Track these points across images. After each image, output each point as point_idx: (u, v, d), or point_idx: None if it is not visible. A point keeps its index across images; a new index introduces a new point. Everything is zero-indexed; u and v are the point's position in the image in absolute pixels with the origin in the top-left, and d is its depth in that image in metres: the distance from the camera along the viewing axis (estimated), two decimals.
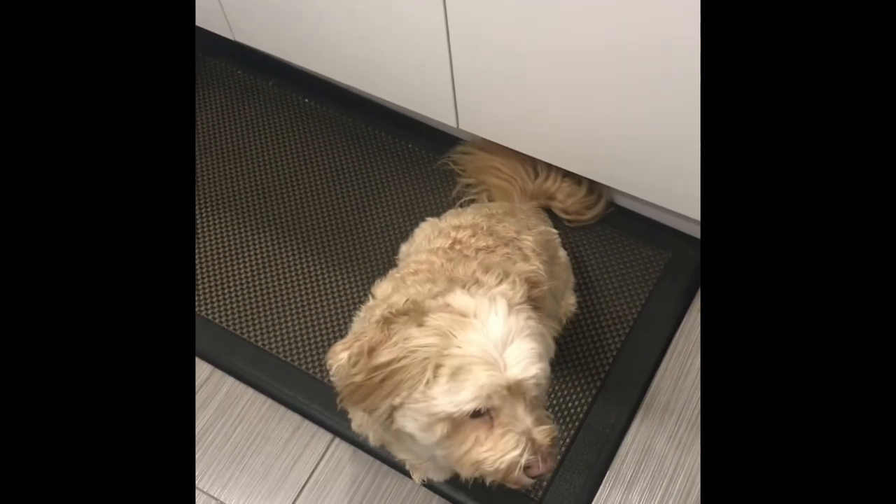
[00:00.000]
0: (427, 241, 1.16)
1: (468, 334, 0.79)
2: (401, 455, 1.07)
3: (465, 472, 0.84)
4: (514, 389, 0.80)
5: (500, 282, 0.90)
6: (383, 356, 0.79)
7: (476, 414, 0.80)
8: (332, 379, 0.88)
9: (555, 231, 1.34)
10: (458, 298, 0.84)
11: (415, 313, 0.82)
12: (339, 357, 0.84)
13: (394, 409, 0.82)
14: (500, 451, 0.81)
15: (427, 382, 0.78)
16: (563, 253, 1.34)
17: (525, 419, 0.81)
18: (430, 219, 1.28)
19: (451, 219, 1.21)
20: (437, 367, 0.78)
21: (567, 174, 1.48)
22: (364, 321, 1.01)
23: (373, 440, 1.04)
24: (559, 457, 1.29)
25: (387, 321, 0.82)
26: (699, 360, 1.40)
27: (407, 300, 0.86)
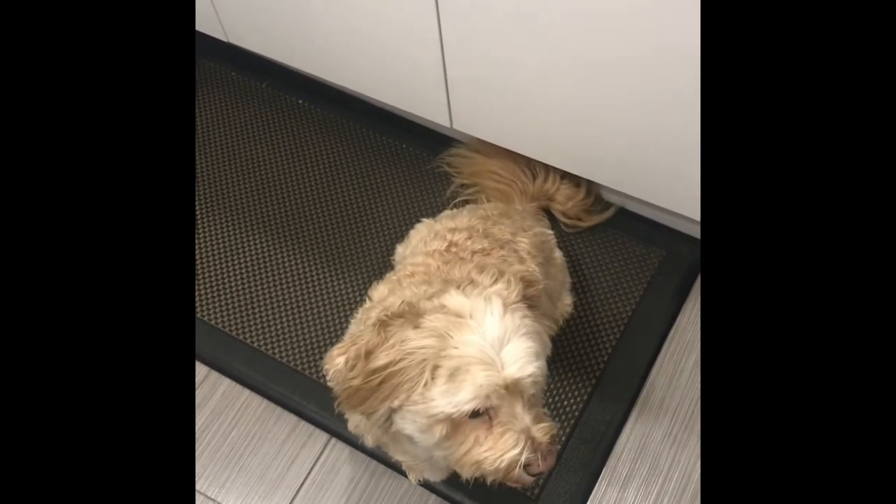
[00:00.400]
0: (423, 243, 1.16)
1: (465, 335, 0.80)
2: (397, 456, 1.08)
3: (466, 473, 0.84)
4: (512, 388, 0.80)
5: (495, 281, 0.90)
6: (380, 359, 0.79)
7: (475, 414, 0.80)
8: (329, 384, 0.88)
9: (550, 232, 1.34)
10: (454, 299, 0.84)
11: (410, 315, 0.82)
12: (336, 362, 0.84)
13: (392, 411, 0.83)
14: (499, 451, 0.81)
15: (425, 384, 0.78)
16: (558, 254, 1.34)
17: (524, 417, 0.82)
18: (425, 220, 1.28)
19: (446, 221, 1.21)
20: (435, 368, 0.79)
21: (565, 175, 1.48)
22: (361, 323, 1.01)
23: (369, 441, 1.04)
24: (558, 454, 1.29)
25: (383, 324, 0.82)
26: (694, 357, 1.41)
27: (402, 302, 0.86)
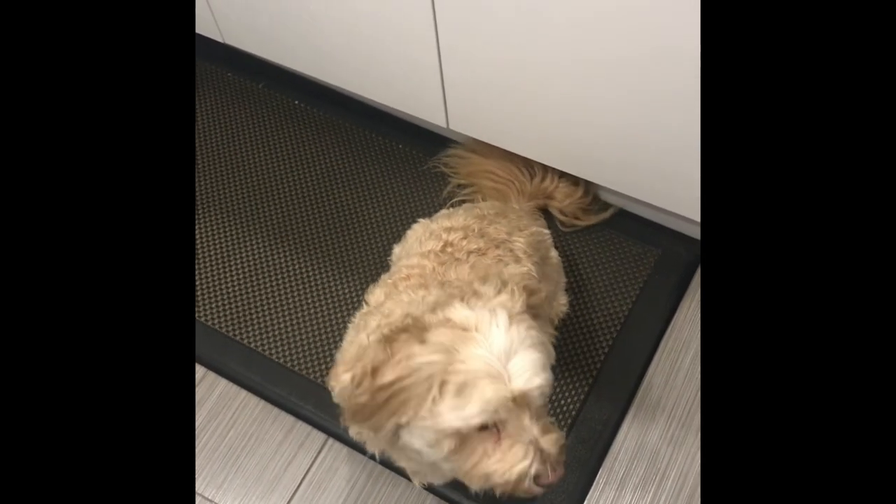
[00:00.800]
0: (418, 243, 1.16)
1: (471, 349, 0.79)
2: (401, 462, 1.08)
3: (475, 485, 0.84)
4: (520, 400, 0.80)
5: (499, 292, 0.89)
6: (387, 376, 0.78)
7: (483, 427, 0.79)
8: (335, 400, 0.88)
9: (546, 231, 1.34)
10: (458, 312, 0.83)
11: (415, 329, 0.81)
12: (342, 379, 0.83)
13: (400, 427, 0.82)
14: (508, 463, 0.81)
15: (433, 399, 0.78)
16: (554, 253, 1.34)
17: (532, 429, 0.81)
18: (422, 220, 1.28)
19: (442, 220, 1.21)
20: (443, 383, 0.78)
21: (563, 174, 1.48)
22: (358, 329, 1.01)
23: (372, 449, 1.04)
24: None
25: (388, 339, 0.81)
26: (690, 355, 1.42)
27: (406, 315, 0.85)
